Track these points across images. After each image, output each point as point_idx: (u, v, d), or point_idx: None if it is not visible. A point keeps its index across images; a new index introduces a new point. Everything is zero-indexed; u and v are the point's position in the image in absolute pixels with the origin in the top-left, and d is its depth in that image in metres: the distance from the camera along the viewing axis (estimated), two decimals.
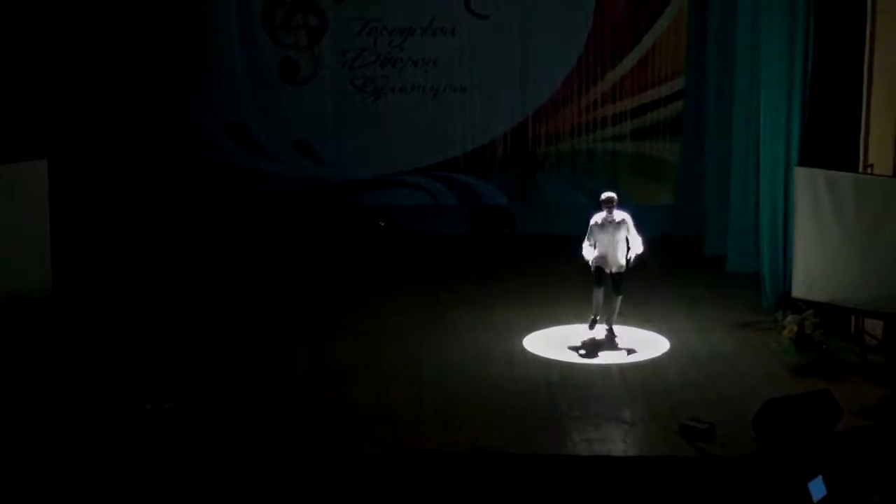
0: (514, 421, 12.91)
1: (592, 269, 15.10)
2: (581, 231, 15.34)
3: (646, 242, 15.27)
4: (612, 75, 19.97)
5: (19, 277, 14.87)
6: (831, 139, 15.47)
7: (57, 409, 13.04)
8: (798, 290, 14.96)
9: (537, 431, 12.66)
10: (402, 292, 17.35)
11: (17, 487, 11.48)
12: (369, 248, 19.31)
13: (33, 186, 15.31)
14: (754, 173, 16.92)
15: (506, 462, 11.94)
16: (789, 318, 14.65)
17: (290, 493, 11.54)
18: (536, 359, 14.72)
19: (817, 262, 14.71)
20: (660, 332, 15.54)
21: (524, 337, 15.41)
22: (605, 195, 15.20)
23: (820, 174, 14.68)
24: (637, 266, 15.18)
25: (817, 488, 10.69)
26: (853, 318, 14.92)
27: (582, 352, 14.89)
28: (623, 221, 15.06)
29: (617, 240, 15.04)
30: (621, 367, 14.44)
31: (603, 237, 15.05)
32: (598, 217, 15.12)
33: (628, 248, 15.06)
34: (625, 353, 14.92)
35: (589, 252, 15.11)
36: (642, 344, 15.16)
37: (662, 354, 14.87)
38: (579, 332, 15.40)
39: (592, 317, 15.25)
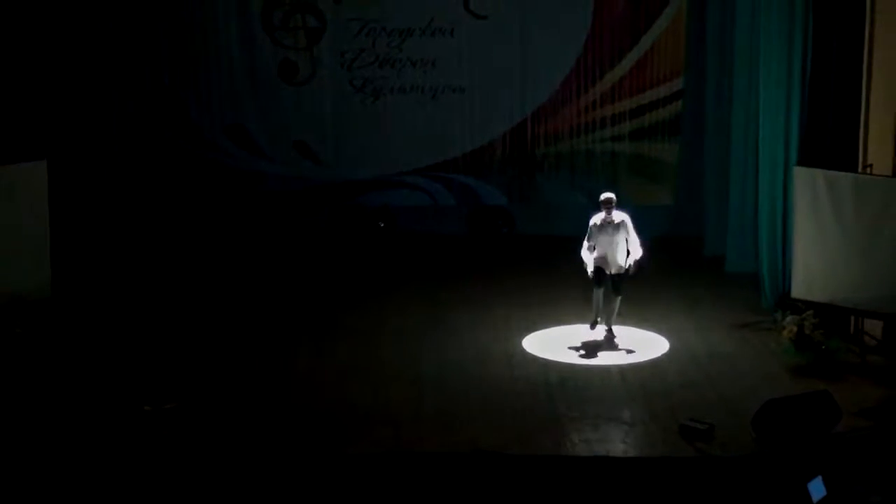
0: (514, 421, 12.92)
1: (592, 270, 15.09)
2: (580, 231, 15.34)
3: (645, 243, 15.29)
4: (611, 76, 19.97)
5: (19, 278, 14.86)
6: (830, 139, 15.47)
7: (57, 410, 13.04)
8: (797, 290, 14.96)
9: (537, 432, 12.66)
10: (402, 293, 17.35)
11: (18, 488, 11.48)
12: (369, 248, 19.31)
13: (33, 187, 15.31)
14: (753, 173, 16.92)
15: (505, 462, 11.93)
16: (789, 318, 14.65)
17: (290, 493, 11.54)
18: (536, 359, 14.73)
19: (817, 262, 14.71)
20: (659, 332, 15.54)
21: (524, 337, 15.41)
22: (604, 196, 15.20)
23: (819, 174, 14.68)
24: (637, 272, 15.19)
25: (817, 489, 10.69)
26: (853, 318, 14.91)
27: (581, 352, 14.89)
28: (622, 222, 15.05)
29: (616, 241, 15.03)
30: (621, 368, 14.44)
31: (602, 238, 15.04)
32: (597, 218, 15.12)
33: (628, 252, 15.05)
34: (624, 353, 14.92)
35: (587, 254, 15.10)
36: (642, 344, 15.16)
37: (662, 355, 14.87)
38: (579, 333, 15.41)
39: (594, 318, 15.26)
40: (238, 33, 19.89)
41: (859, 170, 14.80)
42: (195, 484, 11.61)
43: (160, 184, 19.93)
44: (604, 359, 14.75)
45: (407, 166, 20.27)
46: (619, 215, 15.08)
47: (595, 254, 15.07)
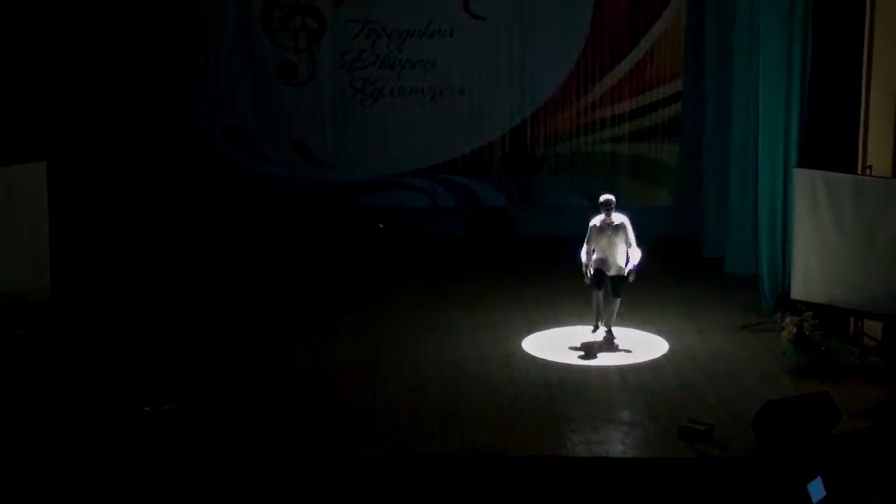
0: (513, 422, 12.92)
1: (592, 272, 15.06)
2: (580, 232, 15.34)
3: (645, 244, 15.29)
4: (611, 77, 19.96)
5: (19, 279, 14.85)
6: (830, 140, 15.48)
7: (57, 411, 13.04)
8: (797, 291, 14.97)
9: (536, 433, 12.66)
10: (402, 294, 17.35)
11: (18, 490, 11.48)
12: (368, 249, 19.31)
13: (32, 189, 15.28)
14: (753, 175, 16.91)
15: (504, 463, 11.94)
16: (788, 319, 14.64)
17: (289, 493, 11.55)
18: (535, 360, 14.73)
19: (816, 263, 14.71)
20: (659, 333, 15.54)
21: (523, 338, 15.41)
22: (603, 197, 15.18)
23: (819, 175, 14.68)
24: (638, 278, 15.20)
25: (816, 489, 10.70)
26: (852, 319, 14.91)
27: (581, 353, 14.90)
28: (622, 224, 15.05)
29: (616, 243, 15.02)
30: (620, 369, 14.44)
31: (601, 240, 15.04)
32: (596, 220, 15.11)
33: (628, 258, 15.04)
34: (624, 354, 14.92)
35: (586, 258, 15.09)
36: (641, 345, 15.16)
37: (661, 356, 14.87)
38: (578, 334, 15.41)
39: (595, 323, 15.25)
40: (237, 34, 19.89)
41: (859, 171, 14.80)
42: (195, 484, 11.61)
43: (159, 185, 19.92)
44: (603, 360, 14.75)
45: (406, 167, 20.26)
46: (618, 217, 15.08)
47: (594, 256, 15.07)
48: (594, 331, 15.27)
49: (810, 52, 15.64)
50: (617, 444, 12.56)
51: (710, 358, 14.75)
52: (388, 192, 20.24)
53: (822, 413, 12.37)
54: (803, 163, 15.46)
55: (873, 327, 14.77)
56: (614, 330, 15.28)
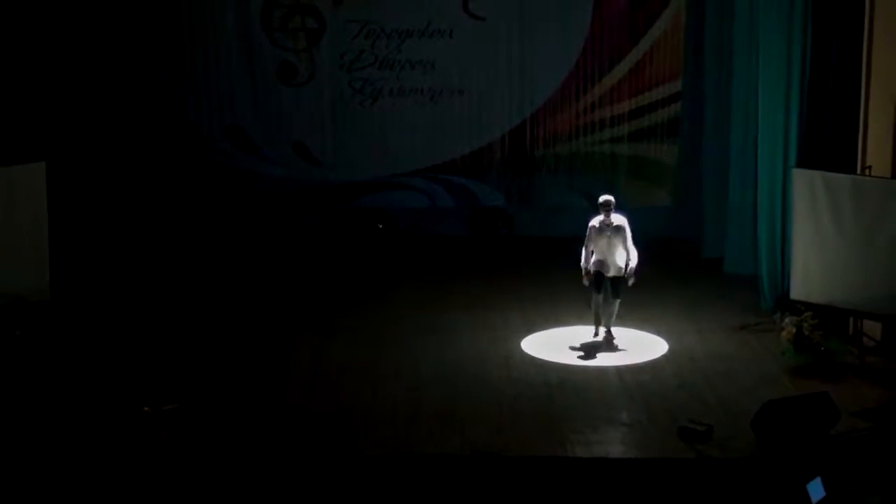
0: (513, 422, 12.92)
1: (591, 273, 15.06)
2: (579, 233, 15.33)
3: (644, 244, 15.29)
4: (610, 78, 19.95)
5: (18, 280, 14.85)
6: (829, 140, 15.48)
7: (57, 411, 13.03)
8: (796, 291, 14.97)
9: (535, 433, 12.66)
10: (401, 294, 17.35)
11: (18, 490, 11.47)
12: (367, 250, 19.31)
13: (31, 189, 15.28)
14: (752, 175, 16.91)
15: (504, 464, 11.93)
16: (788, 319, 14.65)
17: (289, 494, 11.55)
18: (535, 360, 14.73)
19: (815, 263, 14.71)
20: (658, 333, 15.55)
21: (522, 339, 15.41)
22: (602, 198, 15.16)
23: (818, 175, 14.68)
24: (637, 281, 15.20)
25: (816, 490, 10.70)
26: (851, 319, 14.91)
27: (580, 353, 14.89)
28: (621, 226, 15.03)
29: (615, 244, 15.01)
30: (619, 369, 14.44)
31: (601, 241, 15.02)
32: (595, 221, 15.10)
33: (627, 262, 15.03)
34: (623, 354, 14.92)
35: (585, 260, 15.08)
36: (640, 346, 15.16)
37: (661, 356, 14.87)
38: (578, 334, 15.41)
39: (595, 326, 15.24)
40: (237, 34, 19.88)
41: (858, 171, 14.81)
42: (195, 484, 11.61)
43: (159, 185, 19.92)
44: (602, 360, 14.75)
45: (406, 168, 20.26)
46: (617, 218, 15.06)
47: (593, 257, 15.06)
48: (596, 334, 15.25)
49: (809, 52, 15.64)
50: (616, 444, 12.57)
51: (710, 358, 14.76)
52: (388, 192, 20.24)
53: (821, 413, 12.37)
54: (803, 163, 15.47)
55: (872, 327, 14.78)
56: (614, 330, 15.27)
